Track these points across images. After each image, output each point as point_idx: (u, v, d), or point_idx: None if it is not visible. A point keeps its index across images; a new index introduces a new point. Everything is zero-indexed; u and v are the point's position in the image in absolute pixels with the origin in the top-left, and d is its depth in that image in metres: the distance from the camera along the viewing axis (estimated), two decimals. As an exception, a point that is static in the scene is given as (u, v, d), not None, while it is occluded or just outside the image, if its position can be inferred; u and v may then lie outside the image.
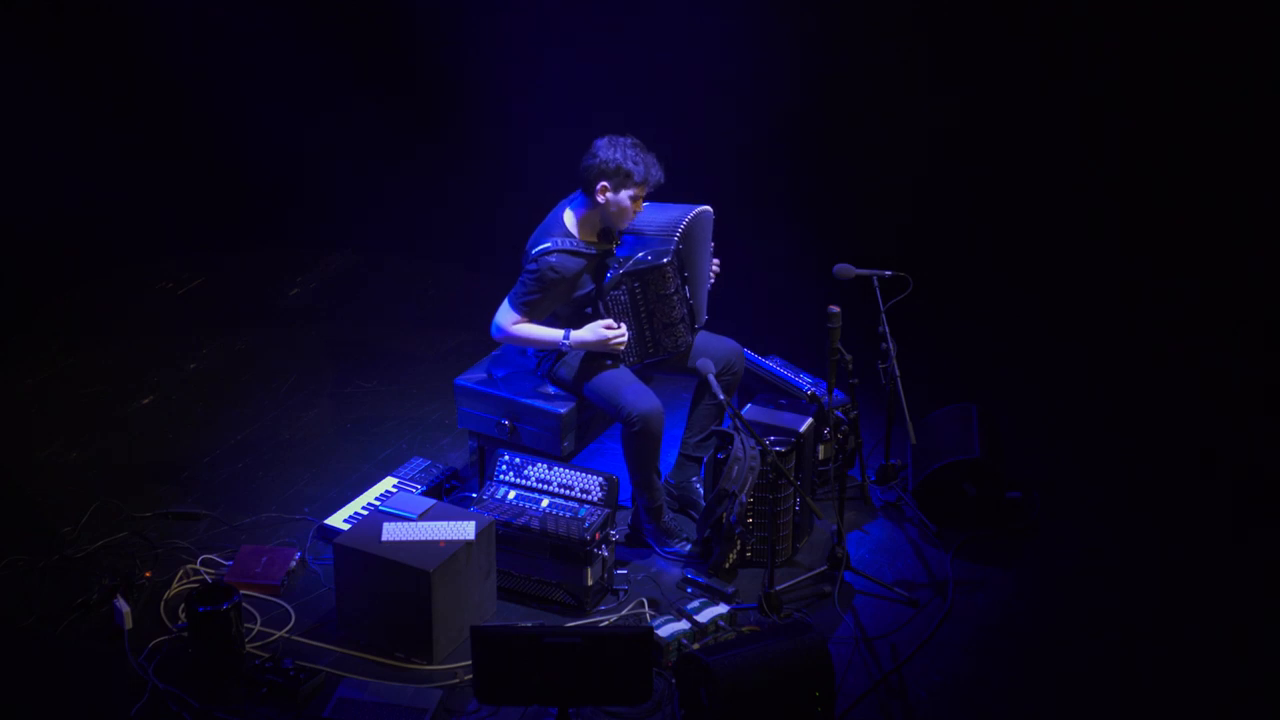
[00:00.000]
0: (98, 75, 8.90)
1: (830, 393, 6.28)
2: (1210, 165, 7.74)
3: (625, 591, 6.14)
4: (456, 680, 5.64)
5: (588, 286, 6.22)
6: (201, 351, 7.89)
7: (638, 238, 6.26)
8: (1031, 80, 8.00)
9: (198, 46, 9.07)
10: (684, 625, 5.84)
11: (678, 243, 6.20)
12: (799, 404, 6.49)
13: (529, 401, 6.35)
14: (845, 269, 6.57)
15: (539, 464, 6.25)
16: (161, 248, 8.85)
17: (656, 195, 6.26)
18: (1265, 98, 7.58)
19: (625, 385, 6.21)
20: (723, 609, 5.95)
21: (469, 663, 5.32)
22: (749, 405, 6.47)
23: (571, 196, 6.28)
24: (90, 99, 8.85)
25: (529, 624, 5.86)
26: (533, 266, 6.14)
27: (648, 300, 6.19)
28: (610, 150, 6.09)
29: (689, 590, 6.15)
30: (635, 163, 6.08)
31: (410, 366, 7.79)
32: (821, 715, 5.42)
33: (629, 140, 6.13)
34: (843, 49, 8.35)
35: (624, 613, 6.02)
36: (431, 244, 8.99)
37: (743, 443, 5.95)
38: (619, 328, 6.18)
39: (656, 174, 6.13)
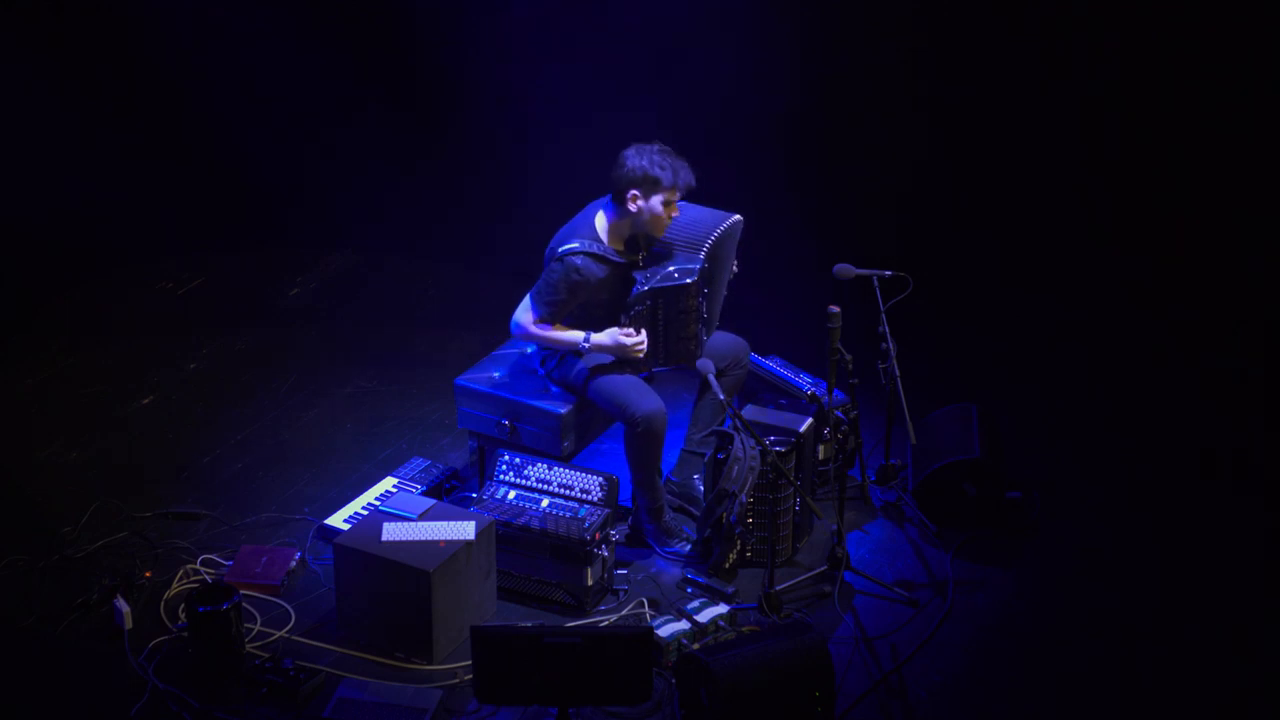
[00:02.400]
0: (98, 75, 8.90)
1: (830, 393, 6.28)
2: (1210, 165, 7.73)
3: (625, 591, 6.14)
4: (456, 680, 5.64)
5: (608, 293, 6.21)
6: (201, 351, 7.89)
7: (664, 248, 6.25)
8: (1031, 80, 7.99)
9: (198, 46, 9.06)
10: (684, 625, 5.84)
11: (704, 262, 6.20)
12: (799, 404, 6.49)
13: (529, 401, 6.35)
14: (845, 269, 6.57)
15: (539, 464, 6.24)
16: (161, 248, 8.85)
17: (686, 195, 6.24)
18: (1265, 98, 7.57)
19: (629, 386, 6.21)
20: (723, 609, 5.95)
21: (469, 663, 5.32)
22: (749, 405, 6.47)
23: (603, 199, 6.27)
24: (90, 99, 8.85)
25: (529, 624, 5.86)
26: (557, 266, 6.12)
27: (667, 314, 6.19)
28: (638, 158, 6.07)
29: (689, 590, 6.15)
30: (663, 168, 6.05)
31: (410, 366, 7.79)
32: (821, 715, 5.42)
33: (656, 147, 6.10)
34: (843, 49, 8.34)
35: (624, 613, 6.02)
36: (431, 244, 8.99)
37: (743, 443, 5.95)
38: (638, 336, 6.18)
39: (686, 177, 6.12)
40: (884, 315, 6.50)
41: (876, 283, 6.53)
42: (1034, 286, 8.10)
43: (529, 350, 6.51)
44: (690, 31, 8.45)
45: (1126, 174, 7.96)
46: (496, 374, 6.51)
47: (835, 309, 6.15)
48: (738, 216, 6.34)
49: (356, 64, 9.15)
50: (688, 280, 6.13)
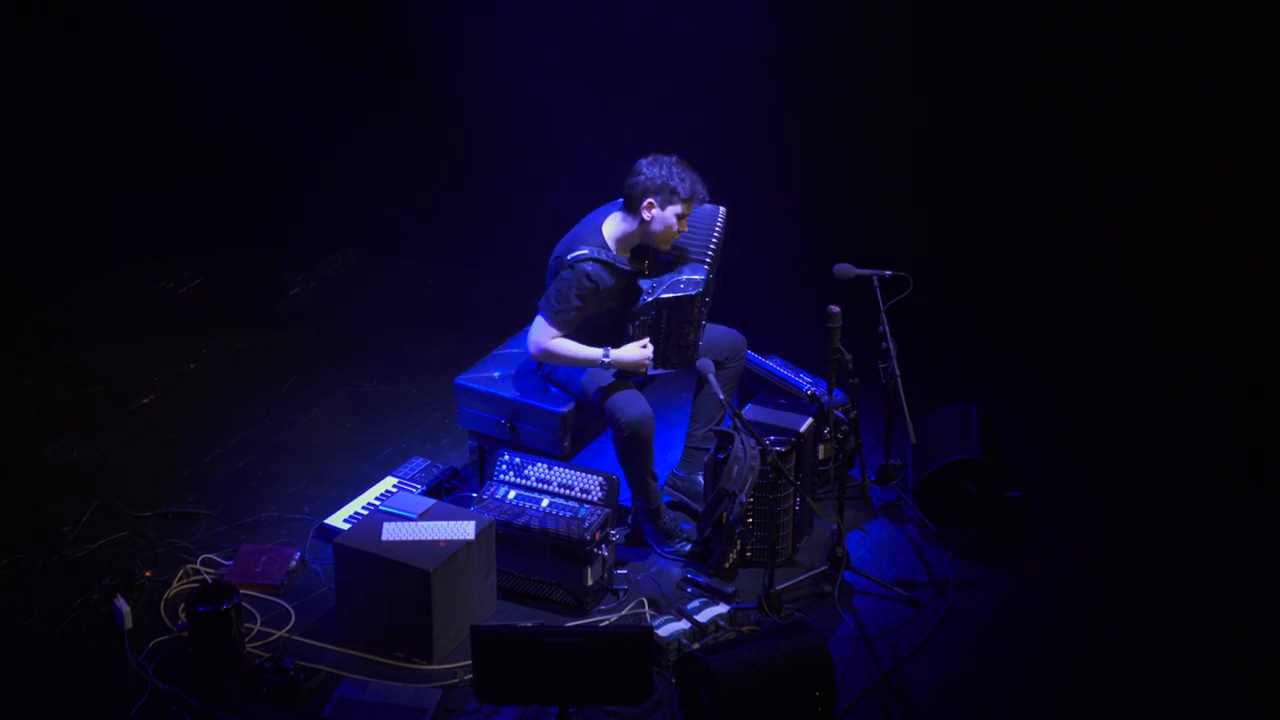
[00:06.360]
0: (100, 75, 8.89)
1: (830, 393, 6.28)
2: (1210, 165, 7.73)
3: (625, 591, 6.14)
4: (456, 680, 5.64)
5: (614, 301, 6.20)
6: (201, 351, 7.89)
7: (668, 254, 6.24)
8: (1032, 80, 7.99)
9: (198, 47, 9.06)
10: (684, 625, 5.84)
11: (709, 271, 6.20)
12: (799, 404, 6.49)
13: (529, 401, 6.35)
14: (845, 269, 6.57)
15: (539, 464, 6.25)
16: (161, 248, 8.85)
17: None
18: (1267, 96, 7.57)
19: (615, 391, 6.19)
20: (723, 609, 5.95)
21: (469, 663, 5.31)
22: (749, 405, 6.48)
23: (607, 207, 6.25)
24: (91, 99, 8.84)
25: (529, 624, 5.86)
26: (568, 274, 6.09)
27: (670, 322, 6.19)
28: (655, 168, 6.07)
29: (689, 590, 6.15)
30: (681, 179, 6.06)
31: (410, 366, 7.79)
32: (821, 715, 5.42)
33: (673, 159, 6.11)
34: (843, 49, 8.34)
35: (624, 613, 6.02)
36: (431, 244, 8.99)
37: (743, 443, 5.95)
38: (650, 348, 6.18)
39: (702, 192, 6.14)
40: (884, 315, 6.50)
41: (876, 283, 6.53)
42: (1035, 286, 8.10)
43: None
44: (690, 33, 8.45)
45: (1128, 173, 7.95)
46: (496, 374, 6.51)
47: (835, 309, 6.15)
48: (723, 208, 6.35)
49: (357, 64, 9.15)
50: (695, 291, 6.13)
